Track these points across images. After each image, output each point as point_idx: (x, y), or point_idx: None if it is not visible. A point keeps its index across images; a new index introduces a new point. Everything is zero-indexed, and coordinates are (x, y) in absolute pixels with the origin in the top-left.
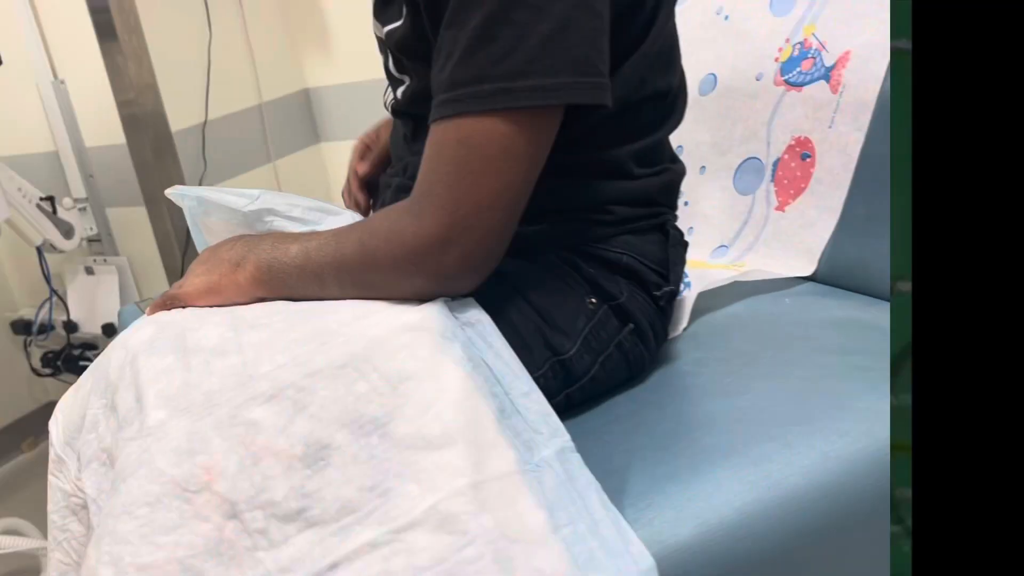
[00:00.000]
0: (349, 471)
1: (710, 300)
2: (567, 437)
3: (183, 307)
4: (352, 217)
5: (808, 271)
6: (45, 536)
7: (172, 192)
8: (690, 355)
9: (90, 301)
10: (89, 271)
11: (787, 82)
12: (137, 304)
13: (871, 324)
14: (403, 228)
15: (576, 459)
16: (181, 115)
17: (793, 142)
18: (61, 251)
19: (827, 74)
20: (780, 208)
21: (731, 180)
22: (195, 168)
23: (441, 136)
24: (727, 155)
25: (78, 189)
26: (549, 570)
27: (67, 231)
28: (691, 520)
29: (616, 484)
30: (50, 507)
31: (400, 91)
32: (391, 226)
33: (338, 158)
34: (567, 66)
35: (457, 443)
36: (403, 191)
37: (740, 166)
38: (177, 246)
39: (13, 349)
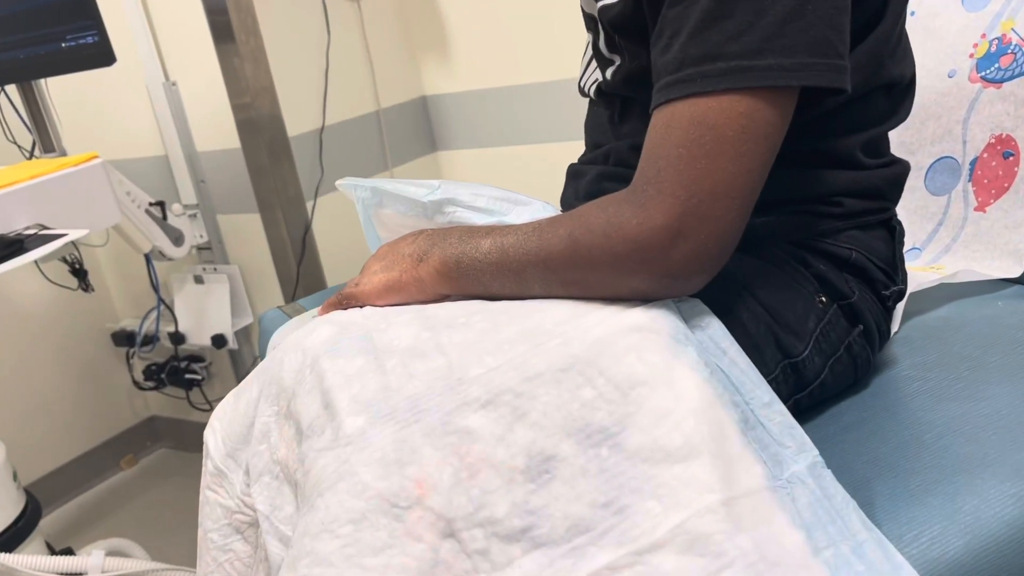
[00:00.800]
0: (578, 485)
1: (917, 303)
2: (816, 452)
3: (360, 306)
4: (544, 207)
5: (1016, 272)
6: (150, 558)
7: (344, 183)
8: (908, 359)
9: (198, 311)
10: (198, 280)
11: (984, 79)
12: (281, 309)
13: None
14: (624, 220)
15: (829, 475)
16: (298, 120)
17: (993, 140)
18: (170, 259)
19: None
20: (981, 208)
21: (922, 180)
22: (311, 174)
23: (669, 118)
24: (916, 154)
25: (188, 195)
26: None
27: (177, 238)
28: (959, 537)
29: (866, 498)
30: (207, 524)
31: (610, 72)
32: (609, 218)
33: (455, 167)
34: (806, 46)
35: (702, 455)
36: (606, 179)
37: (932, 166)
38: (292, 254)
39: (114, 361)
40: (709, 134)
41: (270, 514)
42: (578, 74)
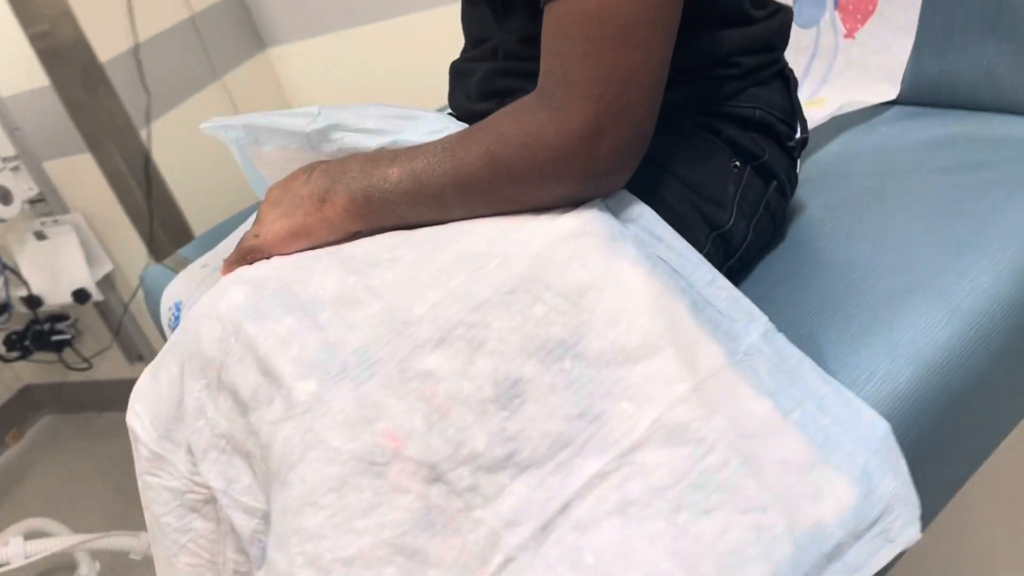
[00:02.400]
0: (549, 402)
1: (810, 141)
2: (765, 318)
3: (266, 258)
4: (437, 118)
5: (892, 95)
6: (72, 531)
7: (210, 126)
8: (814, 200)
9: (50, 269)
10: (40, 236)
11: None
12: (164, 264)
13: (978, 137)
14: (541, 127)
15: (781, 338)
16: (107, 42)
17: None
18: (1, 220)
19: None
20: (849, 36)
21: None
22: (136, 100)
23: (563, 14)
24: None
25: (4, 147)
26: (796, 459)
27: (3, 196)
28: (904, 368)
29: (815, 349)
30: (156, 509)
31: None
32: (524, 127)
33: (292, 63)
34: None
35: (662, 349)
36: (498, 75)
37: None
38: (138, 189)
39: None
40: (610, 25)
41: (227, 488)
42: None
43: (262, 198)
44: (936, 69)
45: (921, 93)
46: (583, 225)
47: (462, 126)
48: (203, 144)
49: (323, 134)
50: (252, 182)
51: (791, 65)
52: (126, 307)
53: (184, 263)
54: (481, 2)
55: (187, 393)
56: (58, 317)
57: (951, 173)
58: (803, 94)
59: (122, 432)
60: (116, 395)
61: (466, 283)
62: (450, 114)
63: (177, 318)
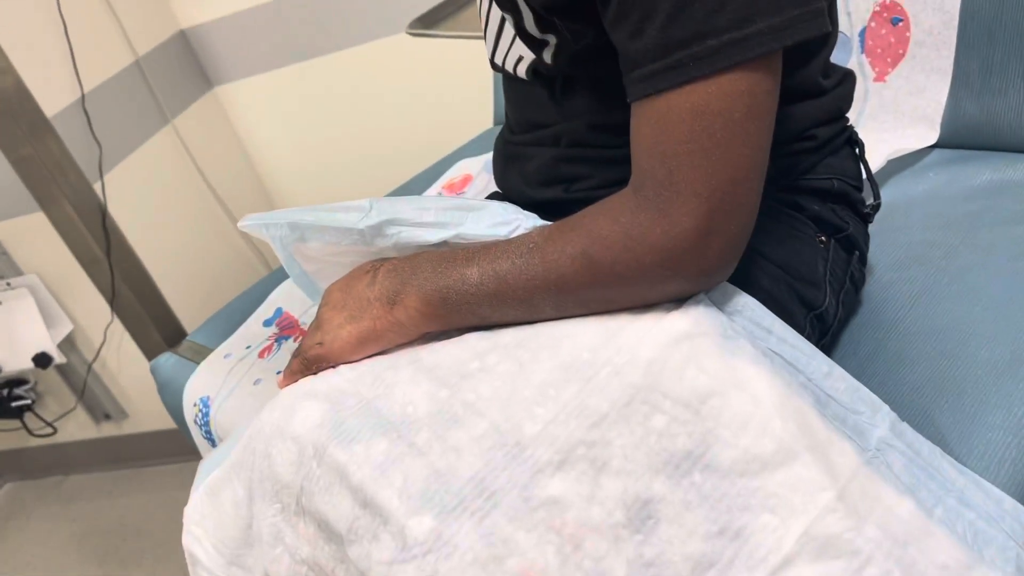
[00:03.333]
0: (686, 521)
1: None
2: (887, 408)
3: (332, 367)
4: (504, 209)
5: (932, 139)
6: None
7: (249, 223)
8: (880, 260)
9: (7, 335)
10: None
11: None
12: (180, 353)
13: None
14: (646, 229)
15: (908, 429)
16: (53, 95)
17: (879, 8)
18: None
19: None
20: (880, 79)
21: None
22: (87, 151)
23: (664, 112)
24: None
25: None
26: (953, 563)
27: None
28: None
29: (933, 433)
30: None
31: (548, 53)
32: (626, 229)
33: (238, 100)
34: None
35: (799, 454)
36: (563, 162)
37: None
38: (96, 245)
39: None
40: (718, 122)
41: None
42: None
43: (305, 295)
44: (976, 111)
45: (962, 136)
46: (693, 325)
47: (531, 216)
48: (159, 193)
49: (377, 229)
50: (295, 279)
51: None
52: (90, 367)
53: (199, 351)
54: (535, 83)
55: (259, 518)
56: (16, 382)
57: (1014, 223)
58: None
59: (92, 494)
60: (83, 456)
61: (578, 396)
62: (495, 196)
63: (206, 415)
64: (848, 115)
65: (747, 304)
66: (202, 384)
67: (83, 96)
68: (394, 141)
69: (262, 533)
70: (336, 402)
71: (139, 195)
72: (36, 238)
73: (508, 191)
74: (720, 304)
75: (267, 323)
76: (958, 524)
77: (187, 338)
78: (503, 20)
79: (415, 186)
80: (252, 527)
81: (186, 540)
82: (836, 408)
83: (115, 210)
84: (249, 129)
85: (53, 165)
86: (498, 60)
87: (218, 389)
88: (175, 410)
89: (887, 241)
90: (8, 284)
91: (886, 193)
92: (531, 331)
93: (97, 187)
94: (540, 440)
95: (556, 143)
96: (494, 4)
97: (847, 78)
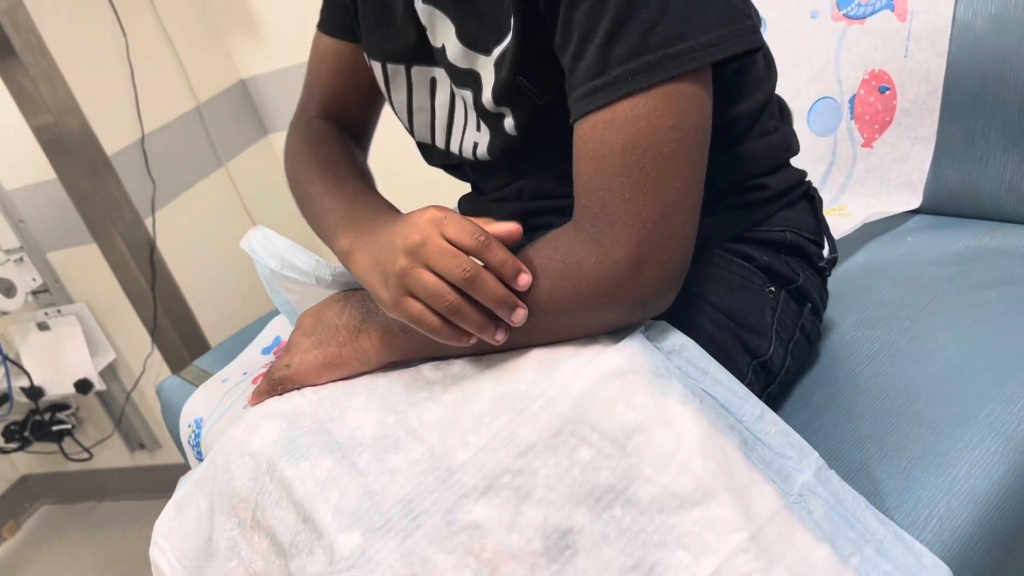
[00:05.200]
0: (603, 554)
1: None
2: (816, 455)
3: (297, 388)
4: None
5: (915, 204)
6: None
7: (246, 247)
8: (846, 318)
9: (53, 359)
10: (43, 327)
11: (846, 16)
12: (183, 377)
13: (1006, 250)
14: (581, 259)
15: (834, 477)
16: (114, 135)
17: (868, 76)
18: (5, 312)
19: (890, 2)
20: (867, 144)
21: (805, 123)
22: (142, 189)
23: (599, 143)
24: (796, 98)
25: (8, 239)
26: None
27: (7, 289)
28: (963, 509)
29: (867, 485)
30: None
31: (509, 125)
32: (563, 259)
33: None
34: (719, 18)
35: (717, 493)
36: (529, 215)
37: (812, 108)
38: (143, 278)
39: None
40: (646, 157)
41: None
42: (429, 141)
43: (287, 320)
44: (957, 179)
45: (943, 203)
46: (627, 362)
47: None
48: (207, 231)
49: (345, 275)
50: (279, 306)
51: (812, 173)
52: (128, 396)
53: (201, 375)
54: (498, 161)
55: (218, 531)
56: (59, 406)
57: (983, 289)
58: (824, 202)
59: (122, 521)
60: (116, 484)
61: (510, 426)
62: None
63: (197, 435)
64: (807, 169)
65: (685, 345)
66: (198, 406)
67: (143, 137)
68: (431, 193)
69: (219, 546)
70: (294, 422)
71: (188, 233)
72: (88, 268)
73: None
74: (658, 343)
75: (265, 351)
76: (873, 574)
77: (193, 363)
78: (452, 108)
79: None
80: (212, 539)
81: (152, 552)
82: (763, 451)
83: (163, 246)
84: None
85: (109, 201)
86: (452, 148)
87: (211, 411)
88: (174, 431)
89: (857, 300)
90: (59, 311)
91: (863, 255)
92: (479, 363)
93: (148, 222)
94: (469, 466)
95: (519, 197)
96: (439, 91)
97: (786, 115)
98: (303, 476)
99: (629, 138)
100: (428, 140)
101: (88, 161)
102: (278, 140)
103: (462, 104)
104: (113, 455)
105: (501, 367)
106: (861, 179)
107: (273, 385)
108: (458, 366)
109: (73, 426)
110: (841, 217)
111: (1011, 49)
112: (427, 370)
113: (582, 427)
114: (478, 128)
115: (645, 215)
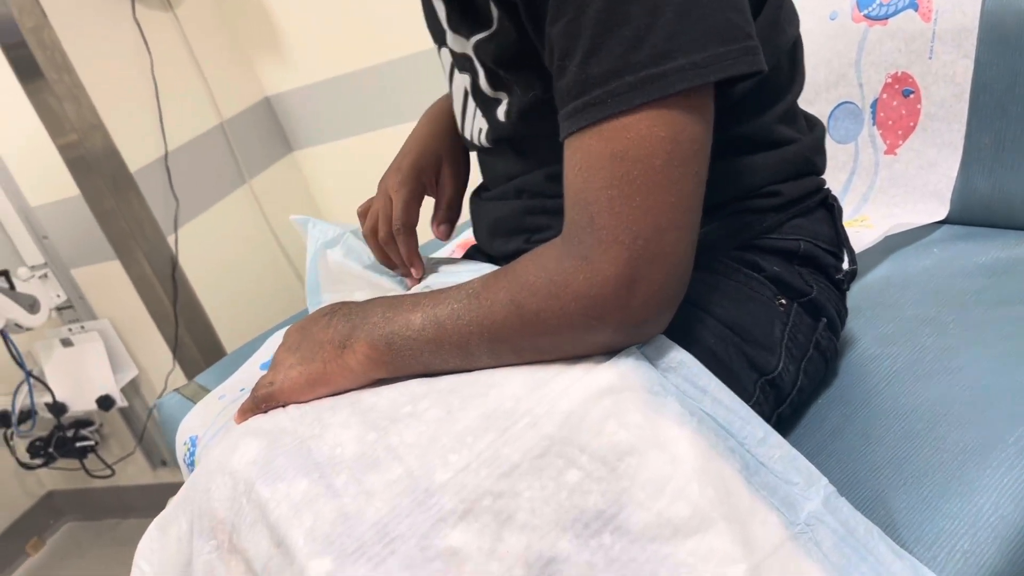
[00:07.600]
0: None
1: None
2: (825, 481)
3: (281, 406)
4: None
5: (941, 214)
6: None
7: (297, 219)
8: (867, 333)
9: (75, 375)
10: (67, 343)
11: (867, 17)
12: (180, 392)
13: None
14: (569, 277)
15: (845, 505)
16: (138, 152)
17: (890, 80)
18: (29, 328)
19: (913, 2)
20: (891, 151)
21: (826, 129)
22: (165, 206)
23: (586, 157)
24: (814, 103)
25: (33, 255)
26: None
27: (31, 305)
28: (990, 543)
29: (883, 516)
30: None
31: (501, 111)
32: (551, 276)
33: (315, 165)
34: (714, 35)
35: (715, 522)
36: (527, 214)
37: (832, 113)
38: (164, 294)
39: None
40: (636, 168)
41: None
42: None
43: (308, 303)
44: (987, 187)
45: (973, 212)
46: (619, 379)
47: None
48: (230, 248)
49: None
50: (309, 282)
51: (832, 182)
52: (150, 412)
53: (200, 392)
54: (497, 146)
55: (196, 554)
56: (83, 423)
57: (1014, 303)
58: (845, 212)
59: None
60: (139, 501)
61: (493, 446)
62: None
63: (192, 453)
64: (821, 167)
65: (684, 361)
66: (194, 424)
67: (167, 154)
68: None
69: (197, 570)
70: (273, 440)
71: (211, 250)
72: (111, 285)
73: (480, 245)
74: (654, 359)
75: (264, 366)
76: None
77: (194, 380)
78: (466, 92)
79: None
80: (192, 563)
81: (136, 574)
82: (767, 476)
83: (185, 262)
84: (323, 192)
85: (132, 218)
86: (466, 134)
87: (206, 429)
88: (172, 447)
89: (879, 316)
90: (83, 327)
91: (886, 267)
92: (467, 379)
93: (171, 240)
94: (447, 488)
95: (519, 195)
96: (456, 72)
97: (815, 128)
98: (279, 498)
99: (618, 148)
100: (459, 124)
101: (112, 178)
102: (302, 157)
103: (468, 89)
104: (136, 472)
105: (488, 383)
106: (884, 188)
107: (257, 403)
108: (445, 381)
109: (97, 442)
110: (863, 229)
111: None
112: (414, 384)
113: (570, 448)
114: (477, 114)
115: (636, 230)
